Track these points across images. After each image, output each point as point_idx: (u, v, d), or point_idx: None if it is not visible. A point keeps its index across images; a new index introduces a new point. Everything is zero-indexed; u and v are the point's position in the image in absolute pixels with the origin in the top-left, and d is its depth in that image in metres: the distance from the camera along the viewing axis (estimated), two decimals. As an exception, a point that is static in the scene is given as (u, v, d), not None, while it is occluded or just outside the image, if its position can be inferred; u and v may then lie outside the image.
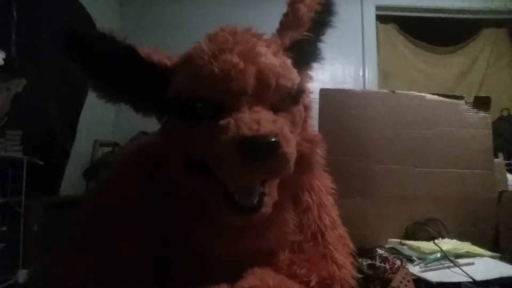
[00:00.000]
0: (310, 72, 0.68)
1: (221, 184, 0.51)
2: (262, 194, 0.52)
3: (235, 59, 0.51)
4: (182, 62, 0.57)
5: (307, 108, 0.64)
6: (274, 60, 0.54)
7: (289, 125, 0.54)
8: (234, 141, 0.45)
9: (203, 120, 0.52)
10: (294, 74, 0.57)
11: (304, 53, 0.63)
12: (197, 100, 0.52)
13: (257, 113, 0.49)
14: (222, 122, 0.48)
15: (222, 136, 0.46)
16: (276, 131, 0.47)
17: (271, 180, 0.54)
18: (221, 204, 0.52)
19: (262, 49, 0.55)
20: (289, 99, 0.57)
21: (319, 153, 0.64)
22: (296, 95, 0.58)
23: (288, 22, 0.65)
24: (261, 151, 0.45)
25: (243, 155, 0.44)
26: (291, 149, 0.49)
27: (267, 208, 0.52)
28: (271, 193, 0.54)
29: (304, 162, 0.58)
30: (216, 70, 0.50)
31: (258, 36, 0.59)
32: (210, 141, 0.49)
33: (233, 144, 0.45)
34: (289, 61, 0.58)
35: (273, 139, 0.46)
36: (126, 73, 0.57)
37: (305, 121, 0.63)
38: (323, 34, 0.67)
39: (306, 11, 0.64)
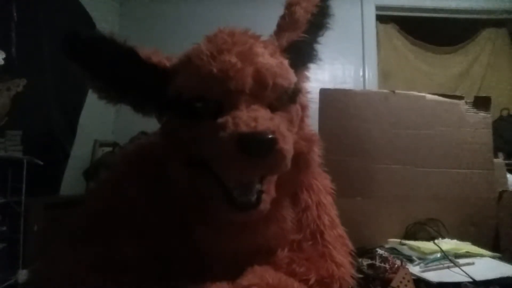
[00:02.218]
0: (307, 73, 0.68)
1: (221, 182, 0.52)
2: (260, 192, 0.53)
3: (233, 59, 0.52)
4: (181, 63, 0.58)
5: (304, 107, 0.65)
6: (271, 60, 0.55)
7: (286, 123, 0.55)
8: (232, 137, 0.46)
9: (202, 119, 0.53)
10: (290, 74, 0.58)
11: (300, 54, 0.64)
12: (197, 99, 0.53)
13: (255, 111, 0.50)
14: (220, 120, 0.49)
15: (221, 133, 0.47)
16: (273, 128, 0.48)
17: (269, 177, 0.54)
18: (220, 202, 0.53)
19: (259, 49, 0.56)
20: (286, 98, 0.58)
21: (316, 152, 0.65)
22: (293, 95, 0.59)
23: (285, 24, 0.66)
24: (259, 147, 0.46)
25: (241, 151, 0.45)
26: (288, 146, 0.49)
27: (265, 205, 0.53)
28: (269, 191, 0.54)
29: (301, 160, 0.59)
30: (215, 70, 0.51)
31: (256, 38, 0.60)
32: (210, 139, 0.50)
33: (231, 140, 0.46)
34: (286, 62, 0.59)
35: (270, 136, 0.46)
36: (126, 74, 0.58)
37: (302, 120, 0.64)
38: (319, 35, 0.68)
39: (302, 13, 0.65)
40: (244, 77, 0.52)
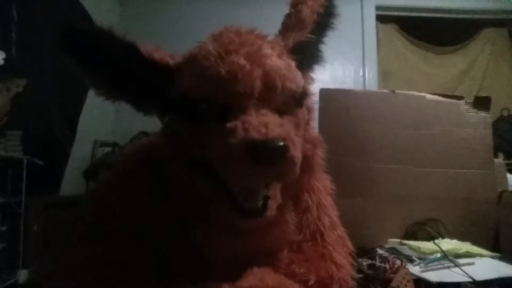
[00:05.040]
0: (312, 74, 0.67)
1: (225, 185, 0.51)
2: (267, 197, 0.52)
3: (242, 61, 0.50)
4: (186, 62, 0.57)
5: (309, 110, 0.64)
6: (279, 62, 0.54)
7: (293, 127, 0.54)
8: (242, 144, 0.45)
9: (208, 121, 0.52)
10: (298, 77, 0.57)
11: (306, 55, 0.63)
12: (202, 101, 0.52)
13: (264, 116, 0.49)
14: (229, 124, 0.48)
15: (230, 139, 0.46)
16: (283, 135, 0.47)
17: (276, 183, 0.53)
18: (225, 207, 0.52)
19: (267, 51, 0.54)
20: (293, 102, 0.56)
21: (320, 154, 0.64)
22: (300, 98, 0.58)
23: (290, 24, 0.64)
24: (270, 155, 0.45)
25: (251, 159, 0.44)
26: (298, 153, 0.48)
27: (271, 211, 0.52)
28: (275, 196, 0.53)
29: (305, 163, 0.57)
30: (223, 71, 0.50)
31: (263, 38, 0.59)
32: (217, 143, 0.48)
33: (241, 147, 0.45)
34: (293, 63, 0.57)
35: (281, 143, 0.45)
36: (126, 71, 0.56)
37: (307, 123, 0.62)
38: (325, 36, 0.67)
39: (309, 12, 0.64)
40: (253, 80, 0.50)
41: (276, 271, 0.58)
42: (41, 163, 1.28)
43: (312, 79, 0.67)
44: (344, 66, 2.43)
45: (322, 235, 0.65)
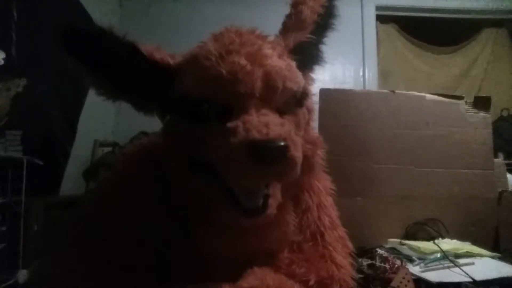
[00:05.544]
0: (312, 75, 0.68)
1: (226, 185, 0.51)
2: (267, 196, 0.52)
3: (243, 61, 0.51)
4: (187, 62, 0.57)
5: (309, 110, 0.64)
6: (280, 62, 0.54)
7: (294, 127, 0.54)
8: (243, 144, 0.45)
9: (209, 122, 0.52)
10: (299, 77, 0.57)
11: (307, 56, 0.64)
12: (203, 101, 0.52)
13: (265, 116, 0.49)
14: (230, 124, 0.48)
15: (231, 139, 0.46)
16: (284, 134, 0.47)
17: (276, 183, 0.53)
18: (226, 206, 0.52)
19: (268, 51, 0.54)
20: (294, 102, 0.57)
21: (320, 155, 0.64)
22: (301, 98, 0.58)
23: (291, 24, 0.65)
24: (271, 155, 0.45)
25: (252, 159, 0.44)
26: (298, 153, 0.48)
27: (271, 210, 0.52)
28: (275, 195, 0.53)
29: (306, 163, 0.57)
30: (224, 72, 0.50)
31: (263, 38, 0.59)
32: (218, 143, 0.48)
33: (242, 147, 0.45)
34: (294, 64, 0.58)
35: (282, 143, 0.45)
36: (127, 71, 0.56)
37: (307, 123, 0.63)
38: (325, 36, 0.68)
39: (309, 13, 0.64)
40: (254, 80, 0.50)
41: (276, 271, 0.58)
42: (41, 163, 1.28)
43: (313, 79, 0.67)
44: (344, 66, 2.44)
45: (322, 235, 0.65)
